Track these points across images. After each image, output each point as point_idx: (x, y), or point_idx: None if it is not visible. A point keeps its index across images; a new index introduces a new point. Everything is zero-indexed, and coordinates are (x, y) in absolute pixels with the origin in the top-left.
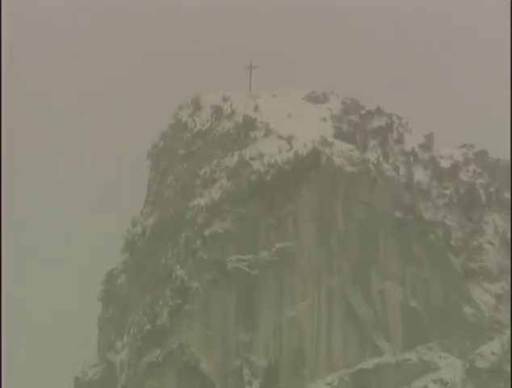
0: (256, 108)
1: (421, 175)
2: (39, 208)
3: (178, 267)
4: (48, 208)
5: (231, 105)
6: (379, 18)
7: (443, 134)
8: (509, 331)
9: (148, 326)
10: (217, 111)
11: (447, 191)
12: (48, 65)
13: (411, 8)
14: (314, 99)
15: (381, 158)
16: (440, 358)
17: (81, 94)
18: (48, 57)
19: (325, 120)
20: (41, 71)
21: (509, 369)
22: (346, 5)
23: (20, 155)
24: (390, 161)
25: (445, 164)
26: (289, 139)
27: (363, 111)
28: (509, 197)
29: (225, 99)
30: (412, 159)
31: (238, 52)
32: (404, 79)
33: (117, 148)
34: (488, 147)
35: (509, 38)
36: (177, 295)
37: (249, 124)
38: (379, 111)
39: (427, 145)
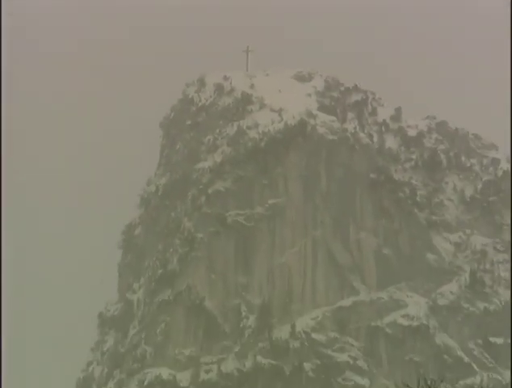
0: (252, 86)
1: (391, 142)
2: (69, 168)
3: (185, 220)
4: (77, 170)
5: (231, 83)
6: (360, 9)
7: (410, 108)
8: (466, 275)
9: (160, 270)
10: (219, 88)
11: (413, 156)
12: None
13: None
14: (301, 77)
15: (357, 128)
16: (407, 297)
17: (97, 72)
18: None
19: (310, 95)
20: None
21: (466, 305)
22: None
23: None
24: (365, 130)
25: (411, 133)
26: (280, 111)
27: (342, 88)
28: (467, 161)
29: (226, 78)
30: (383, 129)
31: (237, 38)
32: (378, 61)
33: (134, 120)
34: (448, 118)
35: None
36: (185, 244)
37: (246, 99)
38: (356, 88)
39: (396, 117)
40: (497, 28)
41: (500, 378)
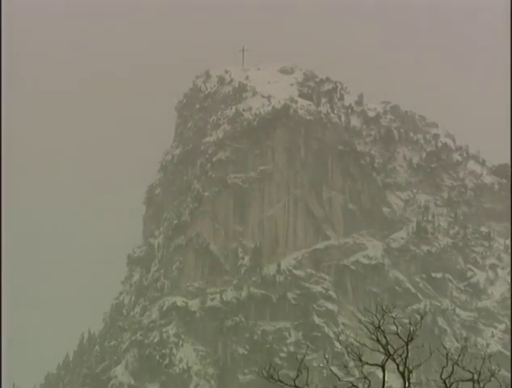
0: (247, 78)
1: (355, 121)
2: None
3: (195, 182)
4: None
5: (230, 75)
6: (333, 12)
7: (370, 94)
8: (413, 224)
9: (175, 221)
10: (221, 80)
11: (372, 132)
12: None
13: None
14: (285, 71)
15: (329, 111)
16: (367, 241)
17: (124, 68)
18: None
19: (292, 85)
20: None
21: (413, 248)
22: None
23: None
24: (335, 112)
25: (371, 114)
26: (268, 98)
27: (317, 79)
28: (414, 136)
29: (226, 72)
30: (349, 111)
31: (235, 40)
32: (345, 57)
33: (155, 104)
34: (400, 102)
35: None
36: (194, 200)
37: (242, 88)
38: (328, 79)
39: (359, 102)
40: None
41: (439, 304)
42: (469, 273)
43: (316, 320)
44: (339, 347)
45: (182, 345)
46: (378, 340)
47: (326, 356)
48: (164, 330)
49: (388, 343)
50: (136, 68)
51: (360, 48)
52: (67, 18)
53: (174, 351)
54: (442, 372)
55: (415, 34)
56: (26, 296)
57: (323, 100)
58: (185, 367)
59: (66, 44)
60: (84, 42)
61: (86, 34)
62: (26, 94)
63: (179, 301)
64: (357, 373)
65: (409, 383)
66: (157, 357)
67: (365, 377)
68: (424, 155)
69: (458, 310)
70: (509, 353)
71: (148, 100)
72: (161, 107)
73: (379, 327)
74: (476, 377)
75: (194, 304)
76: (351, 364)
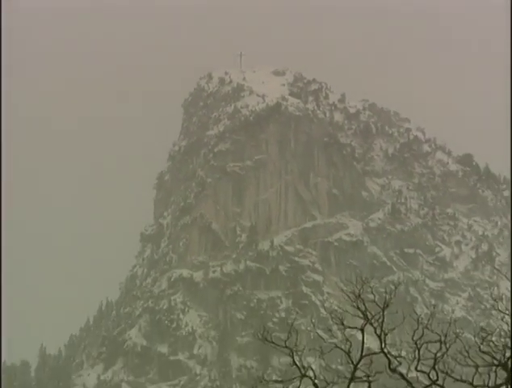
0: (244, 79)
1: (338, 117)
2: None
3: (199, 169)
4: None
5: (229, 77)
6: (321, 17)
7: (351, 94)
8: (389, 206)
9: (182, 203)
10: (221, 80)
11: (353, 126)
12: None
13: None
14: (277, 73)
15: (315, 108)
16: (349, 221)
17: (133, 66)
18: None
19: (283, 85)
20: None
21: (389, 227)
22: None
23: None
24: (321, 109)
25: (352, 110)
26: (263, 96)
27: (305, 81)
28: (389, 129)
29: (226, 73)
30: (333, 108)
31: (234, 46)
32: (330, 61)
33: (164, 102)
34: (376, 100)
35: None
36: (198, 186)
37: (240, 88)
38: (314, 80)
39: (342, 100)
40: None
41: (411, 276)
42: (437, 249)
43: (304, 289)
44: (324, 313)
45: (188, 311)
46: (358, 307)
47: (313, 321)
48: (172, 298)
49: (366, 310)
50: (148, 69)
51: (343, 53)
52: (78, 18)
53: (181, 316)
54: (413, 334)
55: (394, 38)
56: (58, 269)
57: (310, 98)
58: (190, 330)
59: (84, 44)
60: (101, 43)
61: (101, 35)
62: (42, 82)
63: (185, 272)
64: (340, 336)
65: (385, 344)
66: (166, 322)
67: (347, 339)
68: (398, 146)
69: (427, 281)
70: (471, 318)
71: (158, 98)
72: (169, 104)
73: (359, 296)
74: (442, 338)
75: (198, 275)
76: (335, 327)
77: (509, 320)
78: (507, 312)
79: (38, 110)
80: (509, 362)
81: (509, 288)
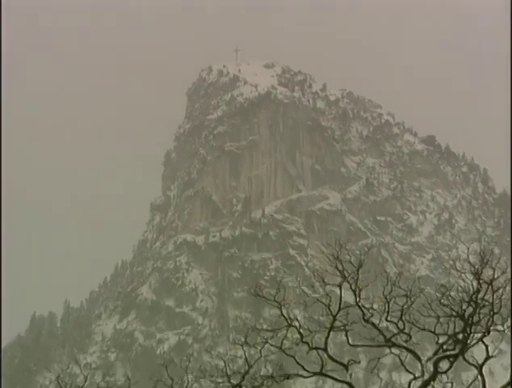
0: (239, 71)
1: (320, 104)
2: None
3: (200, 149)
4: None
5: (227, 69)
6: (308, 14)
7: (331, 83)
8: (363, 180)
9: (186, 178)
10: (220, 72)
11: (333, 112)
12: None
13: None
14: (268, 65)
15: (301, 96)
16: (330, 193)
17: (144, 59)
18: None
19: (273, 76)
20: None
21: (363, 198)
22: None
23: None
24: (305, 96)
25: (332, 98)
26: (256, 86)
27: (292, 72)
28: (364, 114)
29: (224, 66)
30: (316, 96)
31: (231, 43)
32: (313, 55)
33: (171, 91)
34: (353, 89)
35: None
36: (200, 163)
37: (235, 79)
38: (300, 72)
39: (323, 89)
40: None
41: (382, 240)
42: (405, 217)
43: (291, 252)
44: (308, 272)
45: (191, 270)
46: (336, 267)
47: (298, 279)
48: (177, 259)
49: (343, 269)
50: (157, 63)
51: (325, 47)
52: (90, 10)
53: (185, 274)
54: (384, 290)
55: (379, 33)
56: (79, 235)
57: (296, 88)
58: (193, 286)
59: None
60: (115, 37)
61: (115, 29)
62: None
63: (189, 237)
64: (321, 291)
65: (360, 298)
66: (173, 279)
67: (327, 294)
68: (371, 129)
69: (396, 244)
70: (434, 276)
71: (166, 88)
72: (175, 92)
73: (337, 257)
74: (408, 294)
75: (200, 240)
76: (317, 284)
77: (466, 277)
78: (464, 271)
79: (56, 84)
80: (466, 313)
81: (466, 251)
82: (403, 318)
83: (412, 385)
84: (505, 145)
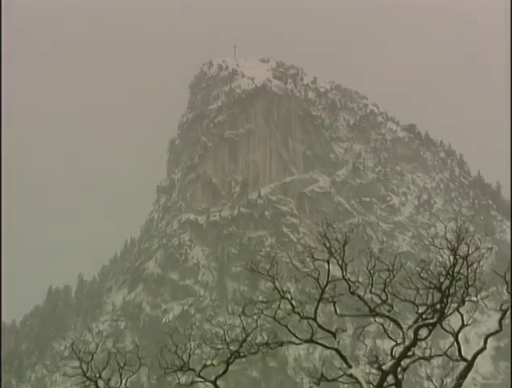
0: (237, 65)
1: (311, 95)
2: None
3: (202, 136)
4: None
5: (226, 64)
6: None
7: (321, 77)
8: (350, 165)
9: (188, 163)
10: (219, 66)
11: (323, 102)
12: None
13: None
14: (263, 60)
15: (293, 88)
16: (320, 177)
17: (151, 54)
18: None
19: (268, 70)
20: None
21: (350, 181)
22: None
23: None
24: (297, 88)
25: (322, 90)
26: (252, 79)
27: (285, 66)
28: (351, 105)
29: (223, 61)
30: (307, 88)
31: (230, 39)
32: (305, 51)
33: (176, 84)
34: (341, 82)
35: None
36: (202, 149)
37: (234, 73)
38: (292, 66)
39: (314, 82)
40: None
41: (367, 219)
42: (388, 198)
43: (284, 230)
44: (299, 248)
45: (194, 247)
46: (324, 244)
47: (290, 255)
48: (181, 236)
49: (331, 246)
50: (162, 58)
51: (315, 44)
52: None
53: (188, 251)
54: (368, 265)
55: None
56: (89, 215)
57: (289, 80)
58: (195, 261)
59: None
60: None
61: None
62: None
63: (192, 216)
64: (311, 266)
65: (346, 272)
66: (177, 255)
67: (316, 269)
68: (358, 118)
69: (380, 223)
70: (414, 252)
71: (171, 81)
72: (179, 85)
73: (325, 235)
74: (390, 268)
75: (201, 219)
76: (307, 260)
77: (443, 253)
78: (441, 247)
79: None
80: (443, 286)
81: (444, 229)
82: (386, 290)
83: (394, 350)
84: (482, 132)
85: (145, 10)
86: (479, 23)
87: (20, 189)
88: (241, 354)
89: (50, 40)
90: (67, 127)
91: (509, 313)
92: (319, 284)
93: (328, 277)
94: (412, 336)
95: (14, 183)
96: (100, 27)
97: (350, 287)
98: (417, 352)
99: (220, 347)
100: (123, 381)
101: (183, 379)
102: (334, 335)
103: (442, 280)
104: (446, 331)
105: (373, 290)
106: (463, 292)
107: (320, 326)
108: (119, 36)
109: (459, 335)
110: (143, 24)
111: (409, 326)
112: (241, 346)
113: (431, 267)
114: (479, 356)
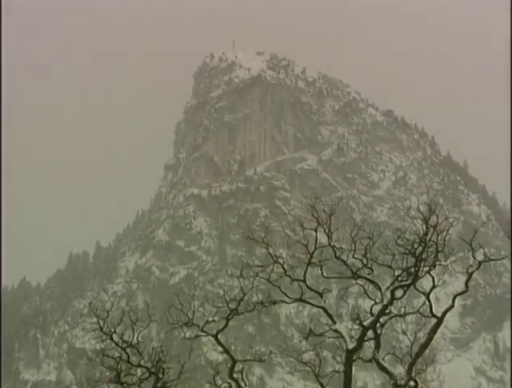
0: (236, 57)
1: (301, 84)
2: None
3: (205, 120)
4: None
5: (226, 56)
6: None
7: (309, 68)
8: (335, 145)
9: (193, 143)
10: (220, 59)
11: (311, 90)
12: None
13: None
14: (259, 53)
15: (285, 77)
16: (308, 155)
17: (159, 47)
18: None
19: (263, 62)
20: None
21: (335, 159)
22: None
23: None
24: (288, 78)
25: (310, 79)
26: (249, 69)
27: (278, 59)
28: (336, 93)
29: (223, 54)
30: (298, 77)
31: (229, 34)
32: (296, 44)
33: (182, 73)
34: (327, 72)
35: None
36: (204, 131)
37: (232, 64)
38: (284, 58)
39: (303, 72)
40: None
41: (350, 193)
42: (368, 174)
43: (277, 202)
44: (290, 218)
45: (197, 217)
46: (313, 214)
47: (282, 224)
48: (186, 208)
49: (318, 216)
50: (170, 50)
51: (305, 38)
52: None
53: (192, 220)
54: (350, 233)
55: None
56: (103, 189)
57: (281, 71)
58: (199, 230)
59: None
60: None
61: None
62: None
63: (195, 191)
64: (301, 234)
65: (331, 239)
66: (182, 225)
67: (305, 237)
68: (342, 104)
69: (362, 197)
70: (391, 222)
71: (178, 72)
72: (185, 74)
73: (313, 207)
74: (370, 236)
75: (204, 193)
76: (298, 228)
77: (417, 222)
78: (415, 217)
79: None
80: (416, 251)
81: (417, 202)
82: (366, 255)
83: (373, 309)
84: (451, 116)
85: (153, 9)
86: (479, 23)
87: (47, 166)
88: (239, 312)
89: (50, 40)
90: (75, 112)
91: (474, 275)
92: (308, 250)
93: (315, 244)
94: (389, 296)
95: (42, 160)
96: (104, 23)
97: (335, 253)
98: (394, 310)
99: (220, 305)
100: (136, 336)
101: (188, 333)
102: (321, 295)
103: (415, 246)
104: (419, 292)
105: (355, 256)
106: (434, 257)
107: (308, 287)
108: (130, 31)
109: (431, 295)
110: (151, 20)
111: (387, 288)
112: (238, 304)
113: (406, 235)
114: (448, 313)
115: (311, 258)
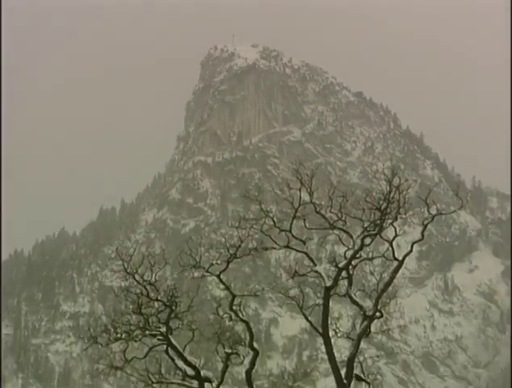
0: (235, 49)
1: (287, 71)
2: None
3: (209, 101)
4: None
5: (227, 48)
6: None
7: (296, 58)
8: (315, 121)
9: (199, 119)
10: (222, 50)
11: (296, 76)
12: None
13: None
14: (254, 46)
15: (275, 65)
16: (294, 129)
17: (170, 41)
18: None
19: (257, 53)
20: None
21: (316, 132)
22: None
23: None
24: (278, 66)
25: (295, 67)
26: (246, 59)
27: (269, 50)
28: (317, 78)
29: (224, 46)
30: (285, 65)
31: (229, 29)
32: (285, 37)
33: (190, 63)
34: (315, 63)
35: None
36: (209, 109)
37: (232, 55)
38: (274, 50)
39: (290, 61)
40: None
41: (328, 160)
42: (343, 144)
43: (269, 167)
44: (279, 180)
45: (204, 179)
46: (297, 177)
47: (273, 185)
48: (194, 172)
49: (302, 178)
50: (180, 43)
51: (292, 32)
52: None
53: (200, 182)
54: (328, 192)
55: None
56: (134, 156)
57: (272, 60)
58: (205, 190)
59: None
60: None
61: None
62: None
63: (202, 158)
64: (288, 193)
65: (312, 197)
66: (191, 185)
67: (291, 195)
68: (321, 87)
69: (337, 162)
70: (361, 183)
71: (187, 61)
72: (193, 63)
73: (298, 171)
74: (344, 194)
75: (209, 159)
76: (285, 188)
77: (382, 183)
78: (380, 179)
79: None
80: (382, 207)
81: (382, 166)
82: (341, 210)
83: (347, 253)
84: (411, 96)
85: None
86: (479, 24)
87: (82, 126)
88: (237, 256)
89: (50, 40)
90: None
91: (428, 226)
92: (293, 206)
93: (299, 201)
94: (359, 243)
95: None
96: (108, 20)
97: (315, 208)
98: (363, 254)
99: (222, 251)
100: (153, 275)
101: (196, 274)
102: (304, 242)
103: (381, 203)
104: (384, 240)
105: (332, 210)
106: (396, 211)
107: (294, 236)
108: (136, 25)
109: (393, 242)
110: (157, 17)
111: (358, 236)
112: (237, 250)
113: (373, 194)
114: (407, 257)
115: (296, 212)
